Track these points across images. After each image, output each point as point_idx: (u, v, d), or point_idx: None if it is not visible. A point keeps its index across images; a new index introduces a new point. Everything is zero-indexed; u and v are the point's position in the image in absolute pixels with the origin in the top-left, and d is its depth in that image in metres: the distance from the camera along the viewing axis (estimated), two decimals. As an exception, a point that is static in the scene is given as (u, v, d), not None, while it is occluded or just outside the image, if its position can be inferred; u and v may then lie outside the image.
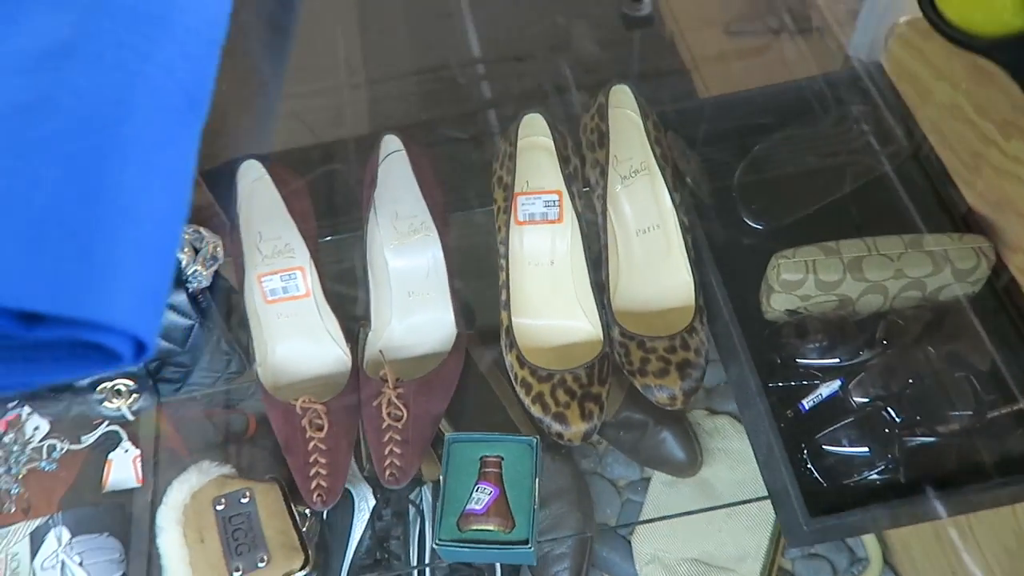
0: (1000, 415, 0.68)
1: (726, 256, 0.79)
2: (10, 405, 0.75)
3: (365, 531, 1.00)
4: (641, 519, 1.07)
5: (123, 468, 0.74)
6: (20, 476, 0.74)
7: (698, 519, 1.07)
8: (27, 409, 0.75)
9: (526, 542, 0.65)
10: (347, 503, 1.03)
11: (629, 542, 1.08)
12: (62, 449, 0.75)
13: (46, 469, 0.75)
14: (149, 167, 0.32)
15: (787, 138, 0.83)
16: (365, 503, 1.03)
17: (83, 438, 0.73)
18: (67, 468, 0.76)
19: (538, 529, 0.67)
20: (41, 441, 0.75)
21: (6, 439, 0.74)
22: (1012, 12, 0.33)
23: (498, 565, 1.01)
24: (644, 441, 1.03)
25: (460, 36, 1.22)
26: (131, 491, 0.74)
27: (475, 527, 0.66)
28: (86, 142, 0.30)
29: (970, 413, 0.67)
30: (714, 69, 1.26)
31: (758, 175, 0.81)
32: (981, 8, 0.34)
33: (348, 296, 0.78)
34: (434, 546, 0.66)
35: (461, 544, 0.65)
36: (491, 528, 0.66)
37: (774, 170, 0.82)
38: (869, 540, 1.01)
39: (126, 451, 0.75)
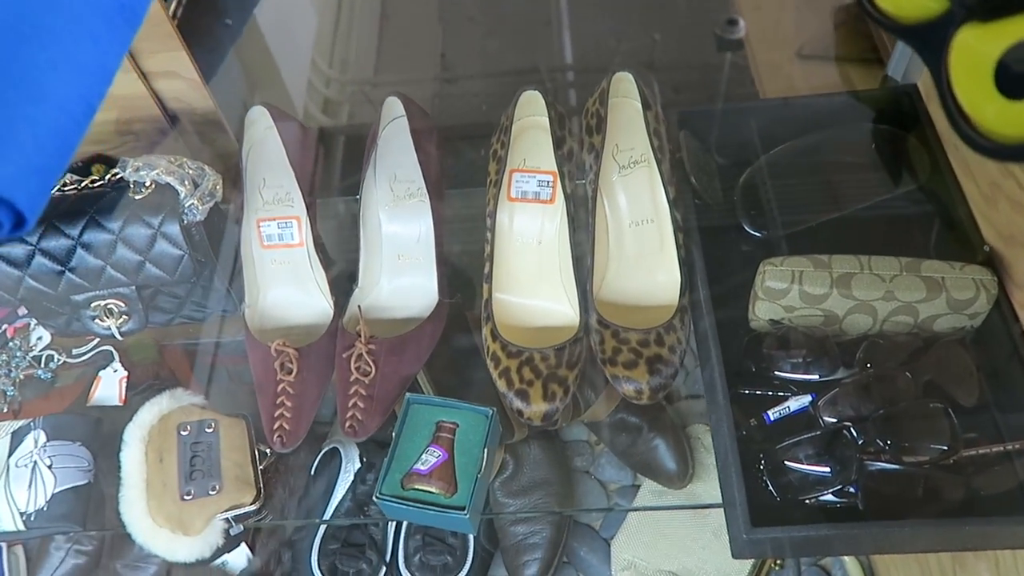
0: (975, 455, 0.64)
1: (722, 261, 0.78)
2: (20, 313, 0.80)
3: (347, 492, 1.02)
4: (625, 524, 1.06)
5: (109, 386, 0.78)
6: (17, 381, 0.78)
7: (682, 534, 1.05)
8: (34, 320, 0.80)
9: (463, 509, 0.65)
10: (334, 462, 1.05)
11: (609, 545, 1.06)
12: (59, 360, 0.80)
13: (42, 377, 0.79)
14: (65, 57, 0.34)
15: (802, 148, 0.81)
16: (352, 465, 1.05)
17: (75, 351, 0.77)
18: (61, 379, 0.80)
19: (479, 499, 0.67)
20: (41, 351, 0.80)
21: (11, 344, 0.79)
22: None
23: (471, 547, 1.01)
24: (636, 447, 1.02)
25: (556, 43, 1.24)
26: (113, 408, 0.78)
27: (417, 487, 0.67)
28: (6, 20, 0.33)
29: (943, 448, 0.64)
30: (779, 89, 1.24)
31: (765, 182, 0.79)
32: (907, -9, 0.32)
33: (339, 252, 0.80)
34: (375, 498, 0.67)
35: (401, 501, 0.66)
36: (432, 490, 0.66)
37: (783, 179, 0.80)
38: (853, 570, 0.97)
39: (115, 371, 0.79)
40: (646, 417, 1.01)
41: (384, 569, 1.01)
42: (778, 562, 1.01)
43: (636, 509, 1.02)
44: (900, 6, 0.34)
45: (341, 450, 1.04)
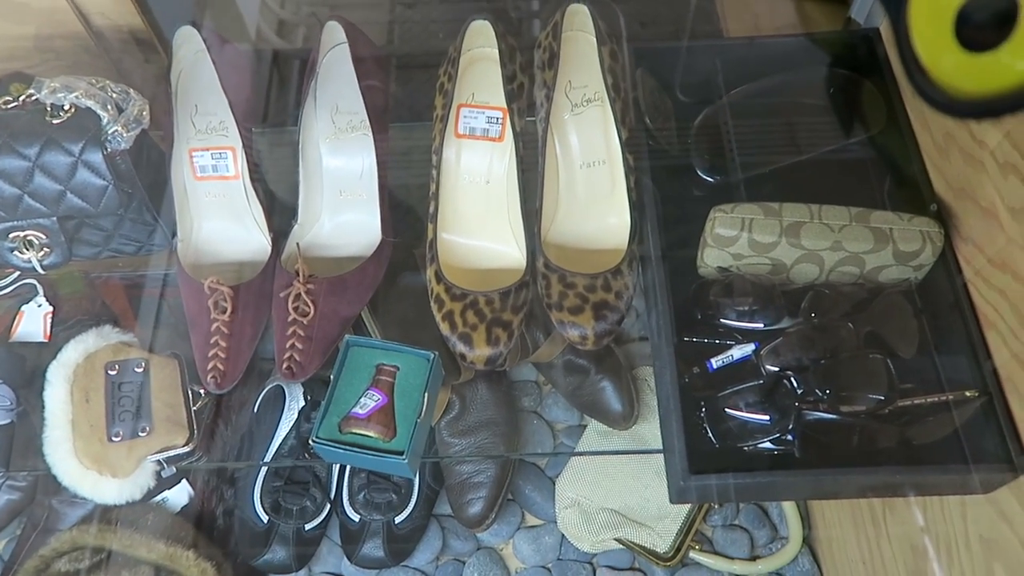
0: (911, 405, 0.65)
1: (674, 205, 0.77)
2: (-65, 243, 0.75)
3: (291, 430, 1.01)
4: (570, 463, 1.07)
5: (33, 321, 0.75)
6: (-67, 313, 0.74)
7: (625, 473, 1.06)
8: (-51, 250, 0.75)
9: (402, 453, 0.64)
10: (278, 400, 1.03)
11: (554, 483, 1.07)
12: (-22, 294, 0.75)
13: (-40, 311, 0.75)
14: None
15: (759, 91, 0.79)
16: (296, 403, 1.04)
17: (-6, 284, 0.73)
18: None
19: (419, 444, 0.66)
20: (-41, 283, 0.75)
21: (-74, 275, 0.75)
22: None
23: (415, 485, 1.01)
24: (583, 388, 1.02)
25: None
26: (36, 345, 0.74)
27: (355, 431, 0.65)
28: None
29: (880, 398, 0.64)
30: (745, 28, 1.21)
31: (720, 126, 0.77)
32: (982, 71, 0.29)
33: (277, 187, 0.77)
34: (311, 441, 0.65)
35: (339, 445, 0.65)
36: (370, 434, 0.65)
37: (738, 123, 0.78)
38: (792, 518, 1.00)
39: (39, 306, 0.75)
40: (593, 359, 1.01)
41: (328, 506, 1.00)
42: (717, 503, 1.03)
43: (580, 454, 1.03)
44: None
45: (285, 388, 1.02)
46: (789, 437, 0.65)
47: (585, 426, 1.10)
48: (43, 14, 0.79)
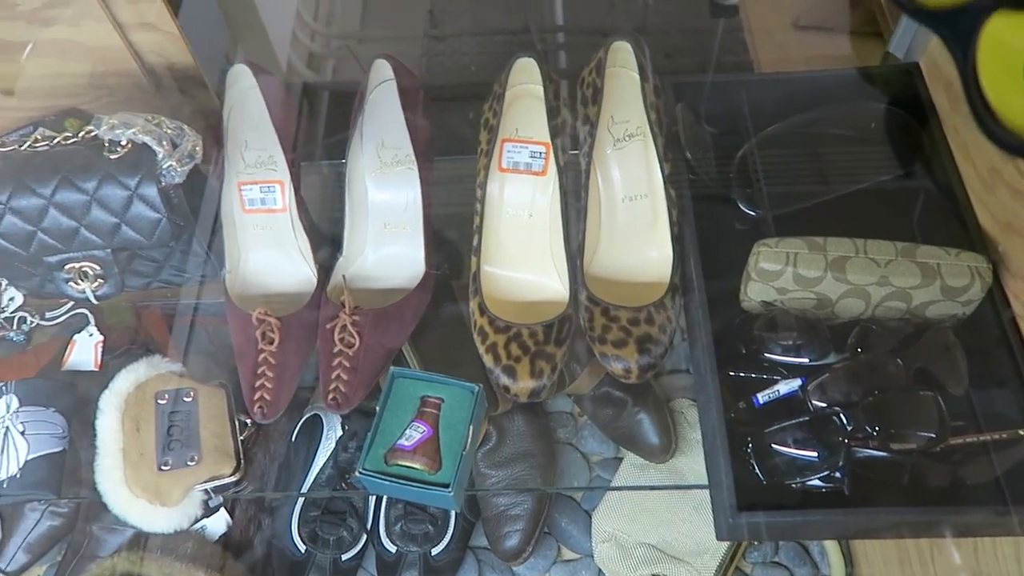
0: (963, 443, 0.64)
1: (715, 238, 0.77)
2: (-12, 276, 0.78)
3: (328, 460, 1.02)
4: (606, 496, 1.06)
5: (85, 351, 0.76)
6: (-12, 343, 0.76)
7: (663, 507, 1.05)
8: (4, 281, 0.77)
9: (447, 486, 0.64)
10: (316, 429, 1.04)
11: (591, 516, 1.07)
12: (32, 323, 0.77)
13: (14, 340, 0.77)
14: None
15: (800, 125, 0.79)
16: (333, 432, 1.04)
17: (48, 315, 0.75)
18: (34, 342, 0.78)
19: (463, 476, 0.67)
20: (13, 312, 0.77)
21: (-19, 306, 0.77)
22: None
23: (452, 517, 1.01)
24: (620, 420, 1.01)
25: (547, 3, 1.21)
26: (88, 374, 0.76)
27: (401, 463, 0.66)
28: None
29: (931, 435, 0.63)
30: (773, 59, 1.22)
31: (760, 159, 0.78)
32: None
33: (323, 214, 0.78)
34: (358, 474, 0.66)
35: (384, 477, 0.65)
36: (416, 466, 0.65)
37: (779, 157, 0.78)
38: (834, 556, 0.98)
39: (91, 335, 0.77)
40: (630, 391, 1.00)
41: (365, 537, 1.00)
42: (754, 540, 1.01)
43: (619, 488, 1.02)
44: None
45: (323, 417, 1.03)
46: (838, 474, 0.64)
47: (621, 459, 1.09)
48: (98, 52, 0.82)
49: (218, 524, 0.97)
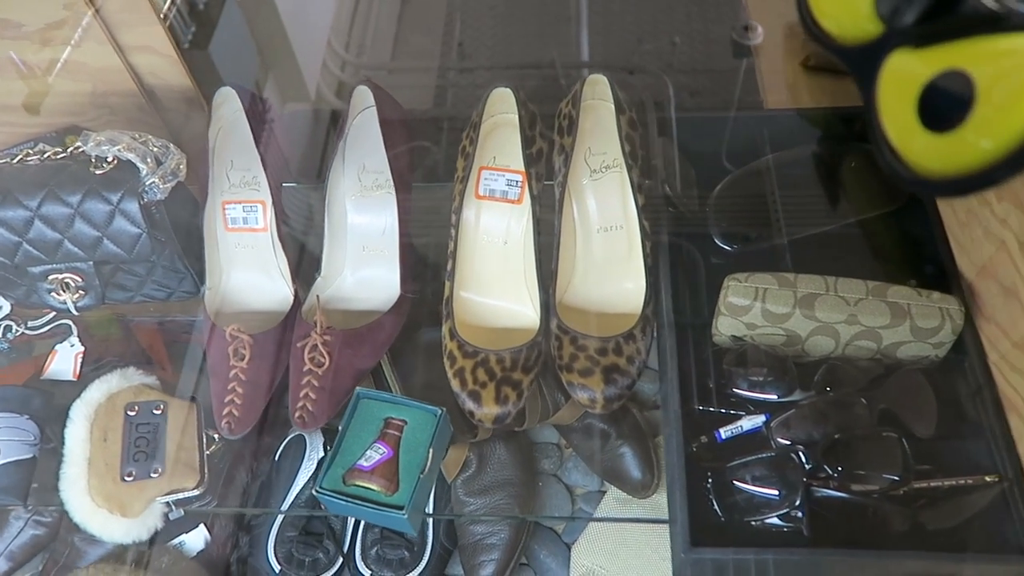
0: (927, 487, 0.63)
1: (691, 272, 0.77)
2: (-20, 283, 0.80)
3: (309, 481, 1.02)
4: (587, 530, 1.05)
5: (65, 361, 0.78)
6: (-27, 349, 0.78)
7: (643, 544, 1.04)
8: (-7, 289, 0.79)
9: (402, 508, 0.64)
10: (299, 449, 1.04)
11: (571, 550, 1.05)
12: (17, 331, 0.79)
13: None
14: None
15: (781, 163, 0.80)
16: (315, 453, 1.04)
17: (30, 323, 0.77)
18: (20, 351, 0.80)
19: (421, 499, 0.66)
20: (0, 320, 0.79)
21: (-31, 313, 0.79)
22: (868, 18, 0.30)
23: (428, 544, 1.00)
24: (603, 453, 1.00)
25: (575, 40, 1.23)
26: (65, 383, 0.77)
27: (359, 483, 0.66)
28: None
29: (894, 478, 0.62)
30: (782, 99, 1.23)
31: (740, 195, 0.78)
32: (846, 13, 0.31)
33: (302, 240, 0.79)
34: (314, 492, 0.66)
35: (341, 497, 0.65)
36: (373, 487, 0.65)
37: (758, 193, 0.78)
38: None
39: (72, 346, 0.78)
40: (615, 424, 0.99)
41: (340, 560, 1.00)
42: (738, 578, 0.99)
43: (594, 519, 1.01)
44: (840, 24, 0.33)
45: (306, 438, 1.03)
46: (798, 514, 0.63)
47: (604, 492, 1.08)
48: (100, 73, 0.85)
49: (197, 541, 0.98)
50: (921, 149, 0.29)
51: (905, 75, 0.29)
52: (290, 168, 0.86)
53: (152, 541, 0.82)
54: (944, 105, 0.28)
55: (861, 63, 0.31)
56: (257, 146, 0.75)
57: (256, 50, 1.00)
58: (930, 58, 0.28)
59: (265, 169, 0.76)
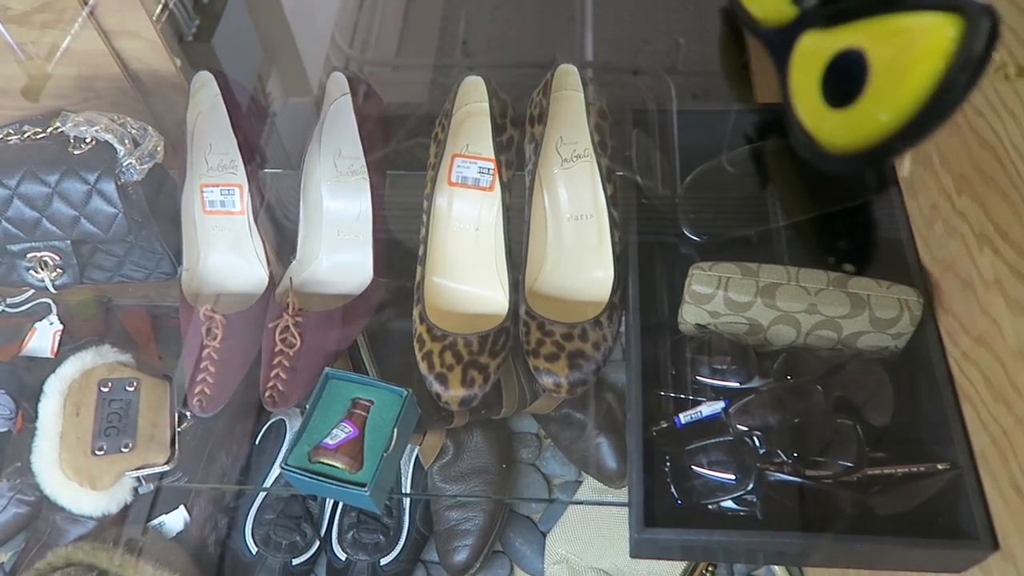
0: (880, 474, 0.64)
1: (660, 262, 0.78)
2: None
3: (288, 464, 1.03)
4: (562, 519, 1.06)
5: (43, 338, 0.79)
6: (-46, 326, 0.79)
7: (618, 534, 1.05)
8: (-26, 267, 0.81)
9: (365, 485, 0.65)
10: (280, 433, 1.06)
11: (545, 538, 1.06)
12: (-2, 310, 0.81)
13: (-20, 325, 0.80)
14: None
15: (754, 155, 0.80)
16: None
17: (9, 301, 0.78)
18: (3, 333, 0.81)
19: (384, 478, 0.68)
20: (-21, 298, 0.80)
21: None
22: (784, 1, 0.31)
23: (404, 528, 1.02)
24: (579, 442, 1.02)
25: (579, 40, 1.24)
26: (43, 360, 0.78)
27: (323, 460, 0.67)
28: None
29: (847, 464, 0.63)
30: (771, 94, 1.23)
31: (710, 187, 0.79)
32: (768, -5, 0.32)
33: (278, 224, 0.81)
34: (280, 468, 0.67)
35: (305, 473, 0.67)
36: (338, 465, 0.67)
37: (729, 185, 0.79)
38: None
39: (51, 324, 0.80)
40: (594, 415, 1.01)
41: (317, 543, 1.01)
42: (710, 568, 1.00)
43: (565, 502, 1.02)
44: (763, 8, 0.34)
45: (287, 422, 1.05)
46: (752, 498, 0.64)
47: (581, 482, 1.09)
48: (86, 57, 0.86)
49: (176, 522, 0.99)
50: (830, 128, 0.30)
51: (811, 55, 0.30)
52: (289, 159, 0.87)
53: (132, 520, 0.84)
54: (843, 81, 0.29)
55: (776, 46, 0.32)
56: (234, 130, 0.76)
57: (260, 44, 1.02)
58: (832, 38, 0.29)
59: (242, 153, 0.77)
